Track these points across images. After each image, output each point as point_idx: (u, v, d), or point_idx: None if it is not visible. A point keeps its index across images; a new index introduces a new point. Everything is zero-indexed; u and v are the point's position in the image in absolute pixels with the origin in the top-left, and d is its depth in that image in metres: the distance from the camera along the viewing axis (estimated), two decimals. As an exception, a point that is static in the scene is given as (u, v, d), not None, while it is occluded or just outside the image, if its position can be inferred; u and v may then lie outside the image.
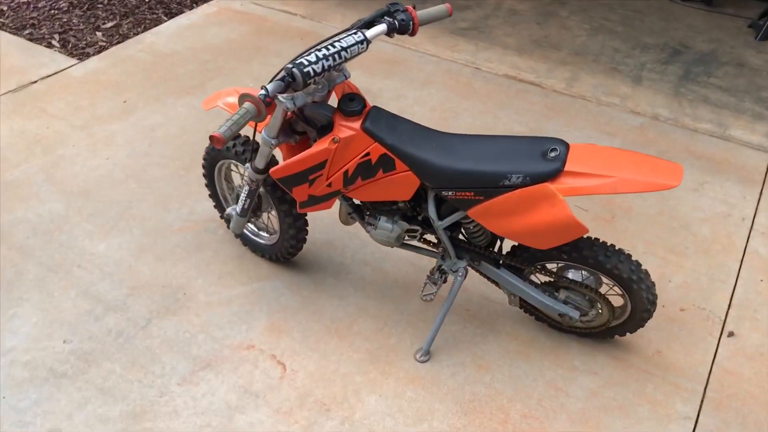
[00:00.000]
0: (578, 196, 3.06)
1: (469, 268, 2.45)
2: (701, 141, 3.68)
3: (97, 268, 2.83)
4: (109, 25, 4.69)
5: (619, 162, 2.00)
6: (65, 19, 4.75)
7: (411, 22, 2.14)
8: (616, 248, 2.24)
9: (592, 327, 2.50)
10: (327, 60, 1.96)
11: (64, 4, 4.93)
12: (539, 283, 2.43)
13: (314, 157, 2.18)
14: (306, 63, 1.93)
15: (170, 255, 2.90)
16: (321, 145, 2.15)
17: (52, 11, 4.84)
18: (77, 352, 2.50)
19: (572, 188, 1.98)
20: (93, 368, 2.45)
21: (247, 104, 1.82)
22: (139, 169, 3.37)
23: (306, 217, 2.65)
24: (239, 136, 2.54)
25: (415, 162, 2.12)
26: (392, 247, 2.47)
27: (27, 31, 4.59)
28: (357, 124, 2.13)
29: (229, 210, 2.67)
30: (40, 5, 4.91)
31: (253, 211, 2.72)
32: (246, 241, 2.89)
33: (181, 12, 4.86)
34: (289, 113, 2.19)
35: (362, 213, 2.47)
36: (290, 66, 1.92)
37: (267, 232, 2.86)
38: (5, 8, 4.85)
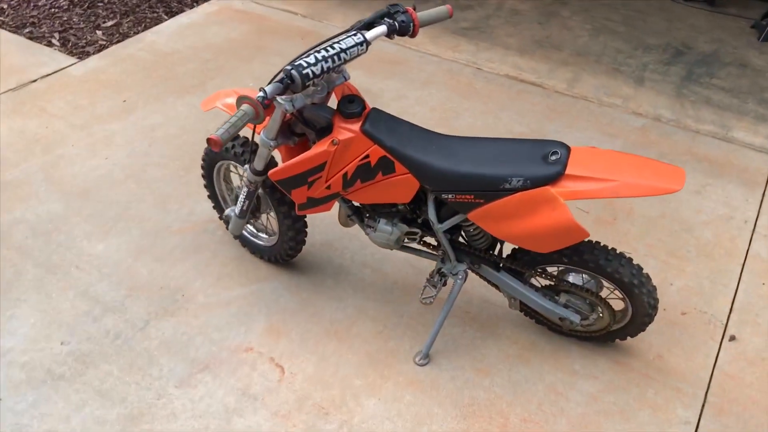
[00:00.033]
0: (579, 200, 3.04)
1: (469, 271, 2.44)
2: (703, 143, 3.66)
3: (96, 269, 2.82)
4: (110, 23, 4.68)
5: (621, 165, 1.98)
6: (65, 18, 4.73)
7: (411, 24, 2.12)
8: (617, 252, 2.23)
9: (593, 331, 2.48)
10: (326, 62, 1.94)
11: (64, 3, 4.92)
12: (540, 286, 2.42)
13: (313, 159, 2.16)
14: (305, 65, 1.91)
15: (169, 256, 2.89)
16: (320, 147, 2.14)
17: (53, 9, 4.83)
18: (75, 354, 2.49)
19: (573, 192, 1.96)
20: (91, 370, 2.44)
21: (244, 106, 1.80)
22: (138, 169, 3.36)
23: (305, 219, 2.64)
24: (238, 136, 2.53)
25: (415, 164, 2.11)
26: (391, 249, 2.45)
27: (27, 30, 4.58)
28: (356, 126, 2.12)
29: (227, 211, 2.65)
30: (40, 3, 4.89)
31: (252, 212, 2.71)
32: (245, 243, 2.88)
33: (182, 11, 4.84)
34: (288, 115, 2.17)
35: (361, 215, 2.46)
36: (289, 68, 1.90)
37: (266, 234, 2.84)
38: (5, 6, 4.84)
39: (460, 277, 2.41)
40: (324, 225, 3.03)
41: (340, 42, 1.99)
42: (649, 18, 4.92)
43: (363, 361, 2.49)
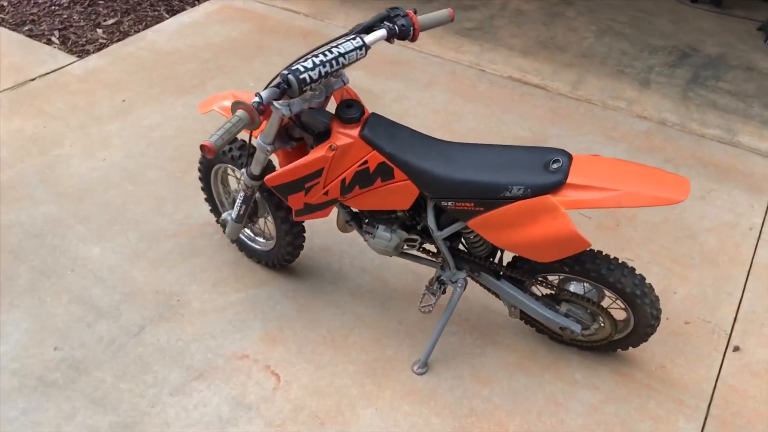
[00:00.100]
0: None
1: (469, 279, 2.40)
2: (708, 147, 3.61)
3: (91, 273, 2.78)
4: (110, 22, 4.64)
5: (624, 175, 1.94)
6: (65, 16, 4.70)
7: (411, 28, 2.08)
8: (620, 261, 2.18)
9: (594, 340, 2.44)
10: (324, 66, 1.90)
11: (64, 0, 4.88)
12: (540, 295, 2.38)
13: (311, 164, 2.12)
14: (302, 69, 1.87)
15: (164, 260, 2.85)
16: (318, 153, 2.10)
17: (53, 7, 4.79)
18: (68, 360, 2.45)
19: (574, 201, 1.92)
20: (83, 377, 2.40)
21: (240, 112, 1.76)
22: (135, 170, 3.32)
23: (303, 224, 2.60)
24: (236, 140, 2.49)
25: (414, 171, 2.06)
26: (390, 256, 2.41)
27: (27, 27, 4.54)
28: (355, 132, 2.08)
29: (224, 215, 2.62)
30: (40, 0, 4.85)
31: (249, 217, 2.66)
32: (242, 247, 2.84)
33: (183, 9, 4.80)
34: (285, 119, 2.13)
35: (360, 221, 2.42)
36: (286, 72, 1.86)
37: (263, 238, 2.80)
38: (5, 4, 4.80)
39: (460, 285, 2.37)
40: (323, 229, 2.99)
41: (339, 46, 1.95)
42: (656, 19, 4.86)
43: (360, 370, 2.45)
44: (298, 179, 2.17)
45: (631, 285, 2.16)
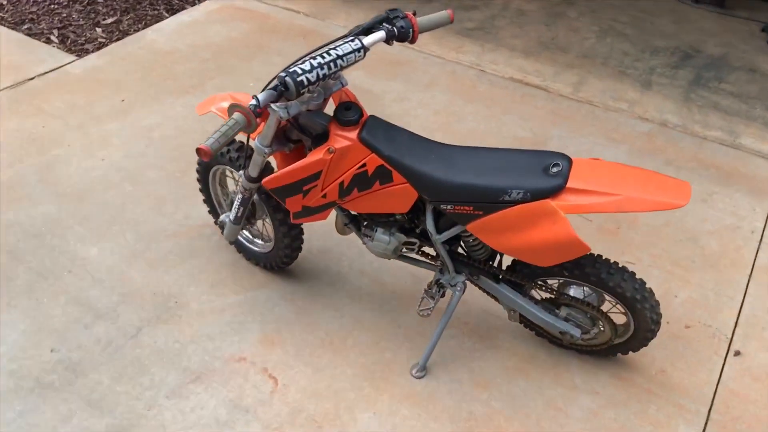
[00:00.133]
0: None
1: (468, 283, 2.38)
2: (710, 149, 3.59)
3: (89, 274, 2.77)
4: (110, 21, 4.62)
5: (625, 179, 1.92)
6: (65, 14, 4.68)
7: (410, 30, 2.06)
8: (620, 266, 2.17)
9: (594, 345, 2.42)
10: (322, 69, 1.88)
11: (64, -1, 4.87)
12: (540, 299, 2.36)
13: (308, 167, 2.10)
14: (299, 72, 1.85)
15: (163, 261, 2.83)
16: (315, 156, 2.08)
17: (52, 6, 4.77)
18: (65, 362, 2.44)
19: (574, 206, 1.90)
20: (80, 379, 2.39)
21: (236, 115, 1.75)
22: (134, 170, 3.30)
23: (301, 226, 2.58)
24: (234, 141, 2.47)
25: (413, 174, 2.05)
26: (389, 259, 2.40)
27: (26, 26, 4.52)
28: (353, 134, 2.06)
29: (222, 217, 2.60)
30: (40, -1, 4.85)
31: (247, 218, 2.65)
32: (240, 248, 2.82)
33: (183, 8, 4.78)
34: (283, 122, 2.11)
35: (359, 224, 2.40)
36: (283, 75, 1.85)
37: (262, 240, 2.79)
38: (4, 2, 4.79)
39: (459, 288, 2.35)
40: (322, 231, 2.97)
41: (337, 48, 1.93)
42: (658, 20, 4.83)
43: (358, 374, 2.44)
44: (295, 182, 2.16)
45: (631, 289, 2.14)
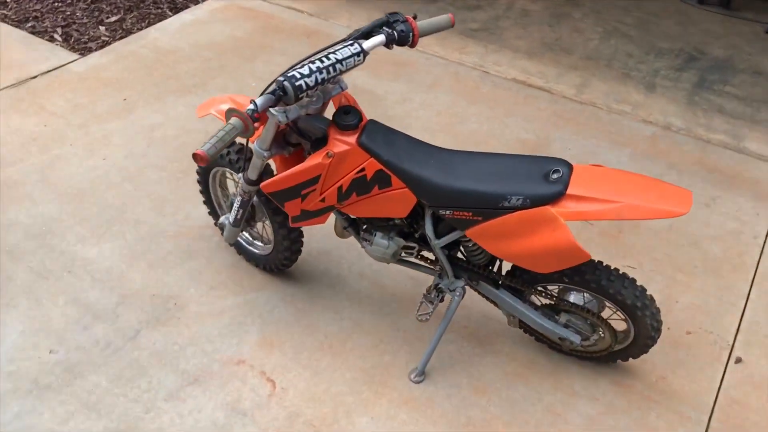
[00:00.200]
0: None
1: (468, 288, 2.37)
2: (714, 153, 3.57)
3: (88, 275, 2.76)
4: (113, 19, 4.62)
5: (625, 186, 1.91)
6: (68, 12, 4.68)
7: (411, 34, 2.05)
8: (620, 272, 2.15)
9: (594, 351, 2.41)
10: (321, 73, 1.87)
11: (68, -3, 4.87)
12: (539, 304, 2.35)
13: (307, 171, 2.09)
14: (298, 76, 1.84)
15: (163, 262, 2.83)
16: (314, 160, 2.07)
17: (56, 3, 4.77)
18: (63, 364, 2.44)
19: (574, 213, 1.89)
20: (78, 380, 2.39)
21: (233, 120, 1.74)
22: (135, 170, 3.30)
23: (301, 229, 2.57)
24: (234, 143, 2.47)
25: (412, 179, 2.04)
26: (388, 263, 2.39)
27: (29, 24, 4.52)
28: (352, 139, 2.05)
29: (222, 219, 2.60)
30: (44, -3, 4.84)
31: (246, 221, 2.65)
32: (240, 250, 2.82)
33: (187, 7, 4.77)
34: (282, 125, 2.10)
35: (358, 227, 2.39)
36: (282, 79, 1.84)
37: (261, 242, 2.78)
38: (8, 0, 4.78)
39: (458, 293, 2.34)
40: (322, 233, 2.96)
41: (336, 52, 1.92)
42: (663, 21, 4.81)
43: (357, 377, 2.43)
44: (294, 186, 2.15)
45: (631, 297, 2.13)
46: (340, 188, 2.12)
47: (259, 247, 2.77)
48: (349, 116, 2.06)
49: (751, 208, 3.21)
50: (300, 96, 1.85)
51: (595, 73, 4.19)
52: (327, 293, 2.74)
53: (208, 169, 2.65)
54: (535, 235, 1.95)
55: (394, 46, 2.07)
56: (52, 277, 2.75)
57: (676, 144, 3.62)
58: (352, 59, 1.93)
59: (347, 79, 3.83)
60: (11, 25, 4.49)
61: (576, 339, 2.28)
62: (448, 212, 2.04)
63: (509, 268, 2.30)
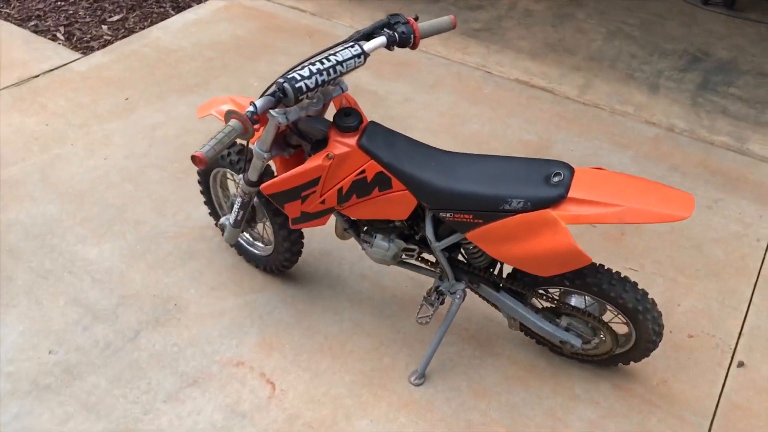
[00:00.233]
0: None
1: (468, 290, 2.36)
2: (717, 155, 3.55)
3: (88, 275, 2.76)
4: (116, 18, 4.61)
5: (627, 190, 1.89)
6: (71, 11, 4.67)
7: (412, 35, 2.04)
8: (622, 276, 2.14)
9: (595, 354, 2.40)
10: (321, 75, 1.86)
11: (71, -4, 4.86)
12: (540, 308, 2.33)
13: (307, 173, 2.09)
14: (298, 78, 1.83)
15: (163, 263, 2.82)
16: (314, 162, 2.06)
17: (59, 2, 4.76)
18: (63, 364, 2.43)
19: (575, 216, 1.88)
20: (78, 381, 2.38)
21: (232, 122, 1.73)
22: (136, 170, 3.29)
23: (301, 230, 2.56)
24: (234, 144, 2.46)
25: (412, 181, 2.03)
26: (388, 265, 2.38)
27: (32, 23, 4.52)
28: (353, 141, 2.04)
29: (222, 220, 2.59)
30: (46, -4, 4.84)
31: (247, 222, 2.64)
32: (241, 251, 2.81)
33: (189, 6, 4.77)
34: (282, 127, 2.09)
35: (358, 229, 2.38)
36: (282, 81, 1.83)
37: (262, 243, 2.77)
38: (11, -2, 4.79)
39: (459, 296, 2.33)
40: (322, 234, 2.95)
41: (337, 54, 1.91)
42: (667, 22, 4.79)
43: (357, 380, 2.42)
44: (294, 188, 2.14)
45: (633, 300, 2.11)
46: (340, 190, 2.11)
47: (259, 248, 2.76)
48: (349, 118, 2.05)
49: (754, 210, 3.20)
50: (300, 98, 1.84)
51: (599, 74, 4.17)
52: (327, 294, 2.73)
53: (209, 169, 2.65)
54: (536, 238, 1.94)
55: (395, 47, 2.05)
56: (52, 278, 2.74)
57: (679, 146, 3.61)
58: (352, 61, 1.92)
59: (348, 79, 3.82)
60: (14, 23, 4.49)
61: (577, 342, 2.27)
62: (448, 215, 2.03)
63: (510, 271, 2.29)
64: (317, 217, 2.24)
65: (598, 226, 3.05)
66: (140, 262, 2.83)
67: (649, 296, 2.18)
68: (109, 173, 3.27)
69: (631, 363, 2.42)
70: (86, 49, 4.26)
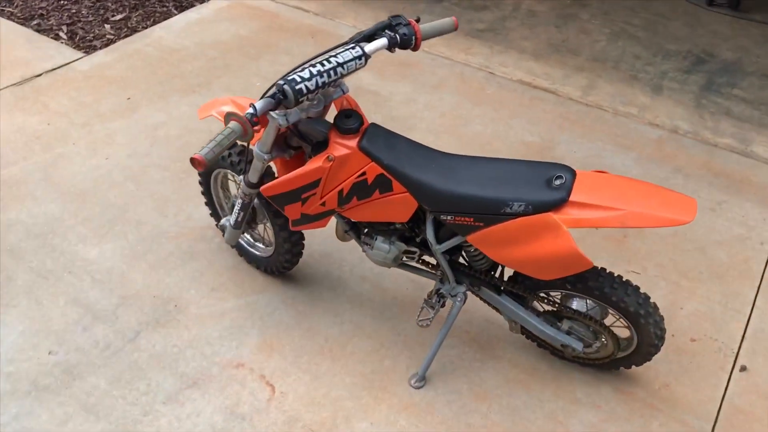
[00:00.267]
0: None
1: (469, 293, 2.35)
2: (721, 157, 3.53)
3: (89, 275, 2.75)
4: (118, 17, 4.61)
5: (629, 194, 1.88)
6: (74, 10, 4.67)
7: (413, 37, 2.03)
8: (624, 279, 2.13)
9: (596, 358, 2.38)
10: (321, 77, 1.85)
11: (74, -5, 4.86)
12: (542, 311, 2.32)
13: (307, 175, 2.08)
14: (298, 80, 1.82)
15: (164, 263, 2.82)
16: (315, 164, 2.05)
17: (62, 1, 4.76)
18: (62, 365, 2.43)
19: (577, 220, 1.86)
20: (77, 382, 2.38)
21: (232, 124, 1.72)
22: (138, 170, 3.29)
23: (302, 232, 2.56)
24: (235, 144, 2.45)
25: (413, 184, 2.02)
26: (389, 267, 2.37)
27: (35, 22, 4.52)
28: (353, 143, 2.03)
29: (223, 221, 2.58)
30: (50, -5, 4.83)
31: (247, 223, 2.63)
32: (242, 252, 2.80)
33: (192, 5, 4.76)
34: (282, 128, 2.09)
35: (359, 231, 2.37)
36: (282, 83, 1.82)
37: (263, 244, 2.77)
38: (15, -3, 4.79)
39: (459, 299, 2.32)
40: (323, 236, 2.94)
41: (338, 56, 1.90)
42: (671, 23, 4.77)
43: (357, 382, 2.41)
44: (294, 190, 2.13)
45: (635, 304, 2.10)
46: (340, 192, 2.10)
47: (260, 249, 2.75)
48: (350, 120, 2.04)
49: (758, 213, 3.18)
50: (300, 100, 1.83)
51: (602, 75, 4.16)
52: (328, 296, 2.72)
53: (210, 170, 2.64)
54: (537, 242, 1.92)
55: (397, 49, 2.04)
56: (52, 277, 2.74)
57: (683, 147, 3.59)
58: (353, 63, 1.91)
59: (351, 80, 3.81)
60: (17, 22, 4.49)
61: (578, 346, 2.26)
62: (449, 217, 2.02)
63: (511, 274, 2.28)
64: (317, 219, 2.23)
65: (601, 228, 3.03)
66: (141, 262, 2.82)
67: (651, 300, 2.16)
68: (111, 173, 3.27)
69: (633, 367, 2.40)
70: (89, 48, 4.26)
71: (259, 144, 2.12)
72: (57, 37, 4.36)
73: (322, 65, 1.86)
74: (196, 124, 3.60)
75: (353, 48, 1.93)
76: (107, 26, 4.50)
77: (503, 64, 4.21)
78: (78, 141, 3.45)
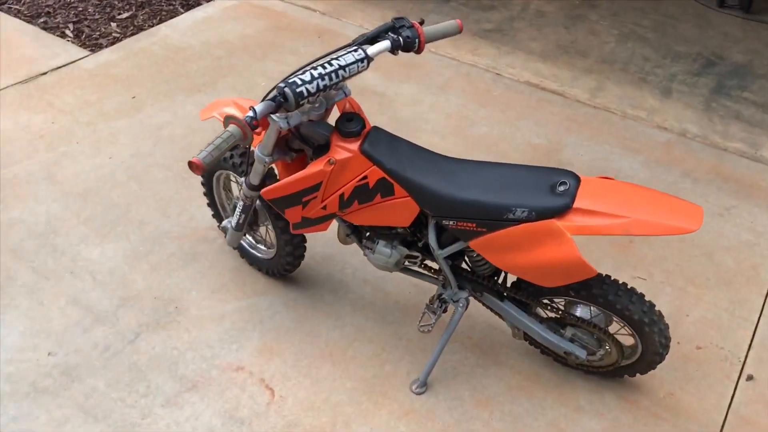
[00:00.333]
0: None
1: (472, 298, 2.32)
2: (730, 161, 3.49)
3: (90, 276, 2.74)
4: (125, 15, 4.60)
5: (634, 201, 1.85)
6: (81, 8, 4.66)
7: (417, 40, 2.00)
8: (628, 287, 2.09)
9: (600, 366, 2.35)
10: (323, 79, 1.83)
11: (81, -8, 4.85)
12: (545, 317, 2.29)
13: (308, 178, 2.05)
14: (299, 82, 1.80)
15: (165, 264, 2.80)
16: (316, 167, 2.03)
17: (69, -1, 4.76)
18: (61, 366, 2.42)
19: (580, 227, 1.83)
20: (76, 384, 2.36)
21: (231, 127, 1.70)
22: (141, 170, 3.28)
23: (304, 234, 2.53)
24: (237, 146, 2.43)
25: (415, 188, 1.99)
26: (390, 271, 2.34)
27: (42, 20, 4.51)
28: (355, 146, 2.01)
29: (224, 222, 2.56)
30: (57, -8, 4.83)
31: (249, 225, 2.61)
32: (243, 253, 2.78)
33: (199, 4, 4.74)
34: (283, 131, 2.06)
35: (361, 235, 2.35)
36: (282, 85, 1.80)
37: (265, 246, 2.75)
38: (22, -5, 4.79)
39: (462, 304, 2.29)
40: (325, 238, 2.92)
41: (339, 58, 1.88)
42: (681, 24, 4.72)
43: (357, 387, 2.39)
44: (295, 193, 2.11)
45: (639, 312, 2.07)
46: (341, 196, 2.08)
47: (262, 251, 2.73)
48: (351, 123, 2.01)
49: (766, 219, 3.13)
50: (301, 103, 1.81)
51: (611, 77, 4.11)
52: (329, 299, 2.70)
53: (212, 171, 2.62)
54: (540, 248, 1.89)
55: (400, 52, 2.02)
56: (54, 278, 2.73)
57: (692, 151, 3.55)
58: (355, 65, 1.88)
59: (356, 80, 3.79)
60: (23, 20, 4.49)
61: (582, 353, 2.23)
62: (451, 222, 2.00)
63: (515, 280, 2.25)
64: (318, 222, 2.21)
65: (607, 233, 3.00)
66: (143, 262, 2.81)
67: (656, 308, 2.13)
68: (114, 172, 3.26)
69: (637, 375, 2.37)
70: (95, 47, 4.25)
71: (260, 146, 2.10)
72: (63, 35, 4.35)
73: (324, 68, 1.84)
74: (201, 123, 3.58)
75: (355, 50, 1.90)
76: (113, 24, 4.49)
77: (510, 65, 4.18)
78: (82, 140, 3.44)
